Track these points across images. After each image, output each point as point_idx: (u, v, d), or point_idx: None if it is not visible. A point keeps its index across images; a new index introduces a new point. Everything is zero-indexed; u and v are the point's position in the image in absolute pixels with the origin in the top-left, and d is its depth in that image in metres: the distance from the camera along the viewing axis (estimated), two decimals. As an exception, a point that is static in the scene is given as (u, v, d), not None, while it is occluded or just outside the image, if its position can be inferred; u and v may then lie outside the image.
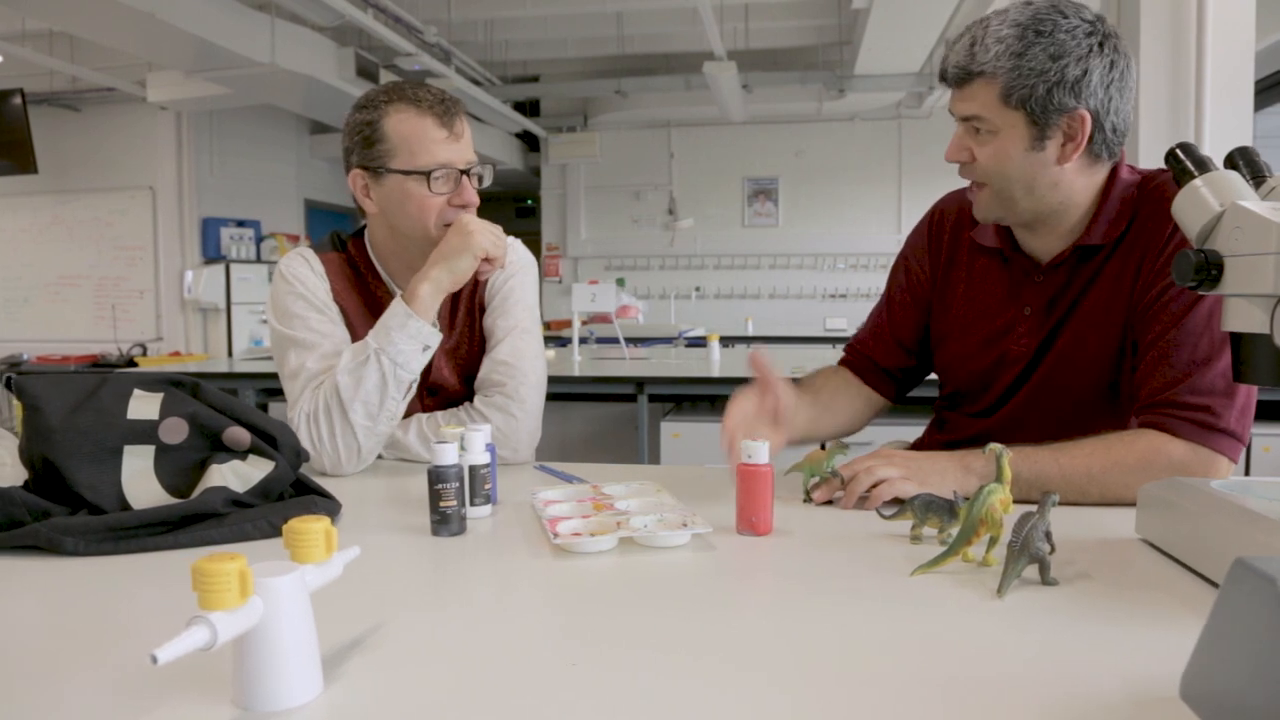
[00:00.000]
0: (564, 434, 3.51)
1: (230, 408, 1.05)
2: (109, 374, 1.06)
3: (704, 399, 3.52)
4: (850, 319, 6.41)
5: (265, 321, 6.20)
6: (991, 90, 1.09)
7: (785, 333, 6.48)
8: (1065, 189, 1.15)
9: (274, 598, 0.55)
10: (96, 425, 0.99)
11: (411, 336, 1.25)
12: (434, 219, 1.30)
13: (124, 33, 4.20)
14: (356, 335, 1.35)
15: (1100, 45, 1.08)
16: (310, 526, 0.60)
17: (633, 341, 4.09)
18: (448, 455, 0.95)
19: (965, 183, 1.36)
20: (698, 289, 8.06)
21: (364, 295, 1.41)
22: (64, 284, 6.56)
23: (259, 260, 6.55)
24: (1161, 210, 1.12)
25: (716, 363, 3.54)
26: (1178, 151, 0.93)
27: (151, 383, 1.04)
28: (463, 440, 1.00)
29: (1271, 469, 2.74)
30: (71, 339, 6.40)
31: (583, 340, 3.74)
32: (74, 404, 1.00)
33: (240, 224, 6.58)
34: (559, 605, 0.77)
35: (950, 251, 1.35)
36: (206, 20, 4.23)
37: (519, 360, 1.38)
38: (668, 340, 5.22)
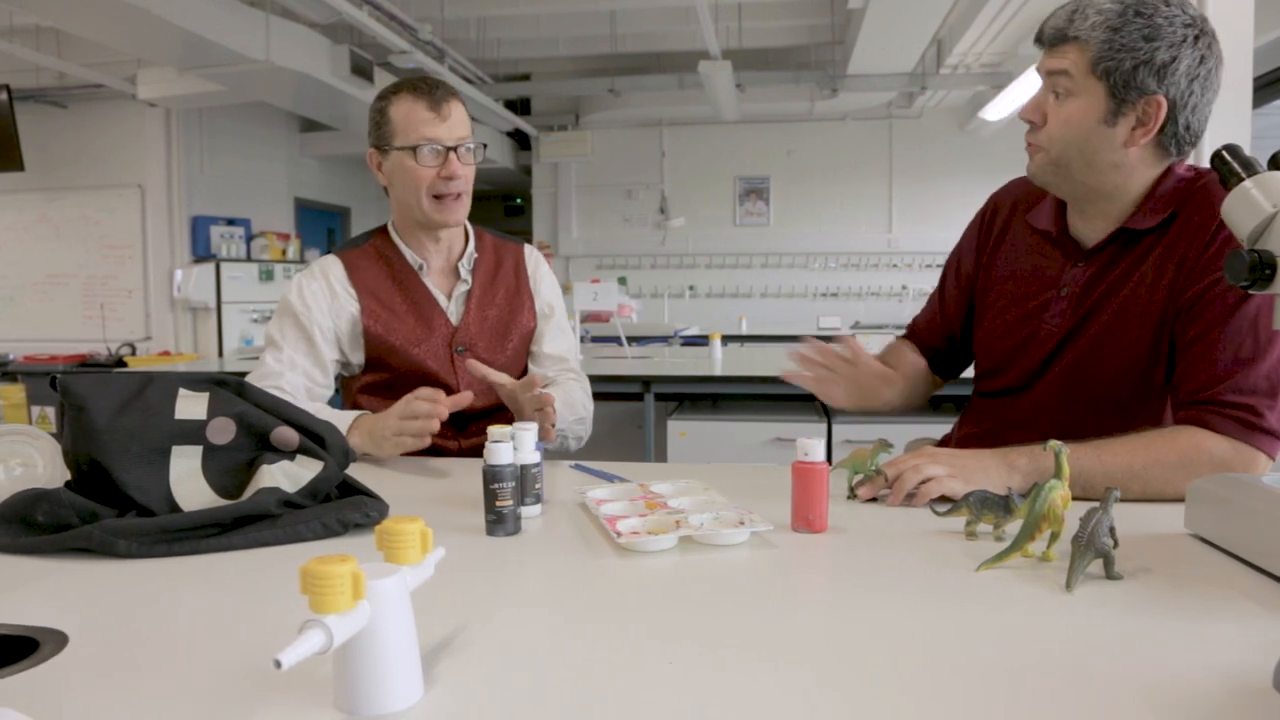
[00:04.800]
0: (567, 433, 3.49)
1: (277, 408, 1.05)
2: (153, 374, 1.05)
3: (706, 397, 3.53)
4: (843, 317, 6.41)
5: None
6: (1083, 55, 1.11)
7: (779, 331, 6.48)
8: (1125, 173, 1.16)
9: (380, 600, 0.55)
10: (144, 425, 0.98)
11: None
12: (424, 188, 1.49)
13: (117, 29, 4.14)
14: (386, 309, 1.55)
15: (1196, 38, 1.09)
16: (406, 528, 0.60)
17: (629, 340, 4.08)
18: (503, 454, 0.95)
19: (995, 186, 1.40)
20: (691, 288, 8.06)
21: (391, 271, 1.60)
22: (51, 283, 6.46)
23: (249, 259, 6.47)
24: (1207, 208, 1.13)
25: (719, 361, 3.55)
26: (1224, 153, 0.94)
27: (196, 382, 1.04)
28: (514, 439, 1.00)
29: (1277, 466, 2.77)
30: (59, 338, 6.30)
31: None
32: (120, 404, 0.99)
33: (230, 222, 6.50)
34: (634, 604, 0.77)
35: (1000, 236, 1.38)
36: (202, 16, 4.17)
37: (575, 357, 1.69)
38: (663, 339, 5.22)
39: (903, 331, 1.56)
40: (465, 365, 1.46)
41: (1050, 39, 1.15)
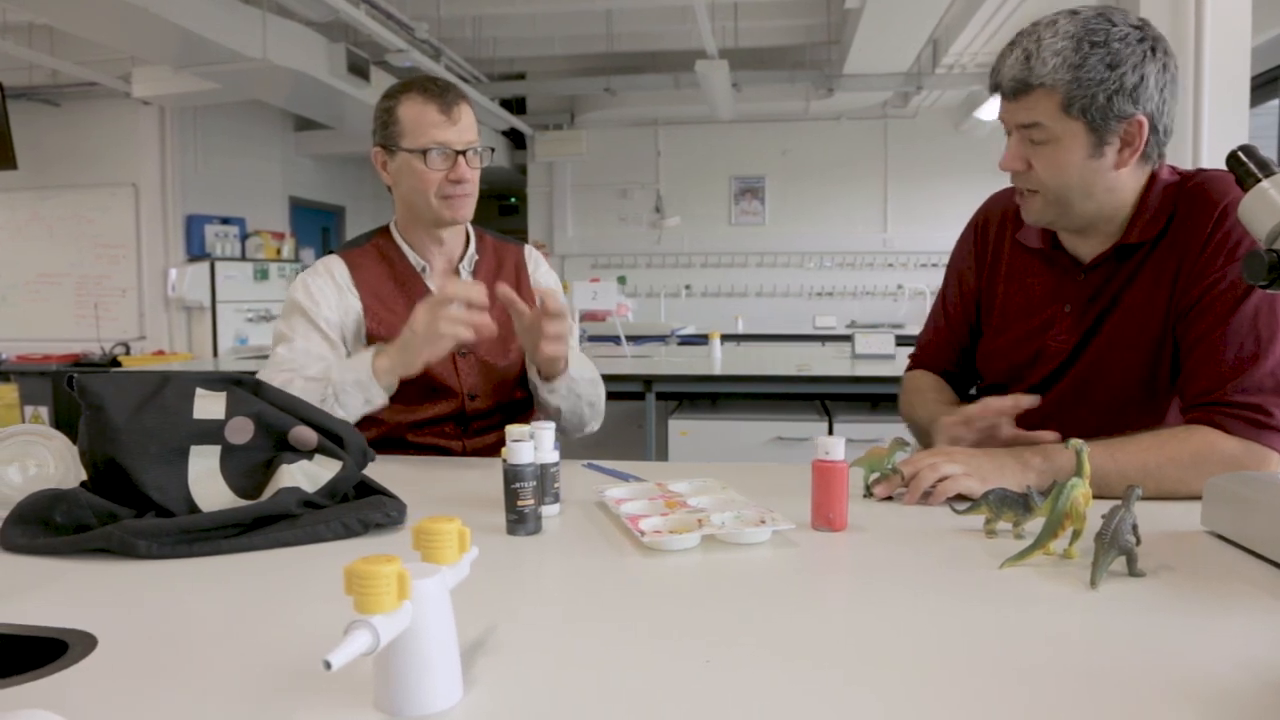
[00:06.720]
0: (567, 432, 3.50)
1: (294, 407, 1.04)
2: (169, 373, 1.04)
3: (706, 396, 3.53)
4: (839, 317, 6.41)
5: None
6: (1051, 100, 1.09)
7: (776, 330, 6.50)
8: (1119, 192, 1.16)
9: (422, 600, 0.55)
10: (162, 425, 0.97)
11: (363, 390, 1.36)
12: (433, 191, 1.48)
13: (113, 27, 4.12)
14: (388, 310, 1.53)
15: (1152, 50, 1.10)
16: (444, 527, 0.60)
17: (626, 340, 4.08)
18: (524, 454, 0.95)
19: (989, 186, 1.40)
20: (687, 287, 8.07)
21: (393, 272, 1.59)
22: (44, 282, 6.42)
23: (244, 258, 6.46)
24: (1200, 209, 1.14)
25: (718, 360, 3.56)
26: (1240, 154, 0.94)
27: (213, 382, 1.03)
28: (534, 438, 0.99)
29: None
30: (53, 338, 6.26)
31: (577, 338, 3.73)
32: (138, 404, 0.98)
33: (225, 221, 6.49)
34: (664, 603, 0.77)
35: (995, 252, 1.37)
36: (198, 15, 4.16)
37: (575, 342, 1.68)
38: (660, 338, 5.22)
39: (899, 332, 1.57)
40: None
41: (1011, 90, 1.11)
